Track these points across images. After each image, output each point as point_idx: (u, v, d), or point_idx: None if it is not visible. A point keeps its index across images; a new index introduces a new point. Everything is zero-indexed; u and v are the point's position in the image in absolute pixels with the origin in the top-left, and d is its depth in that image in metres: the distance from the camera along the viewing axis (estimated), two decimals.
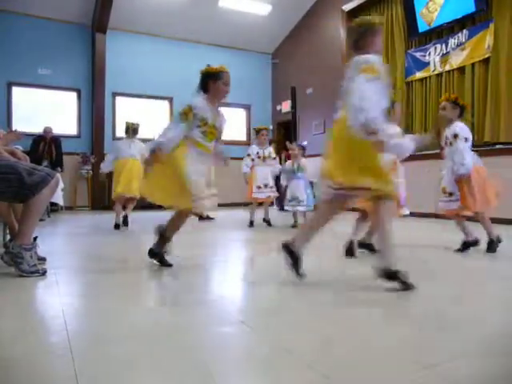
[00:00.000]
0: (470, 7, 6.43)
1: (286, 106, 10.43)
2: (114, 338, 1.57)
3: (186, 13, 9.36)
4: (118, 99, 9.76)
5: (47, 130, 8.46)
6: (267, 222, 5.75)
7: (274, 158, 5.90)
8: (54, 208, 8.13)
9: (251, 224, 5.67)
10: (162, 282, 2.64)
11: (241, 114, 11.27)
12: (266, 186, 5.53)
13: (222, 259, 3.44)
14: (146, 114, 10.08)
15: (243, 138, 11.28)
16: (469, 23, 6.65)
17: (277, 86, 11.30)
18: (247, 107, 11.25)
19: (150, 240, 3.04)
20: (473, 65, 6.54)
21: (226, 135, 12.20)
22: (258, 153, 5.66)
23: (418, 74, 7.45)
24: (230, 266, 3.20)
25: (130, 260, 3.27)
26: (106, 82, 9.24)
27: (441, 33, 7.11)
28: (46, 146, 8.32)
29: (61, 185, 7.31)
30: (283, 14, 9.90)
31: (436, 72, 7.12)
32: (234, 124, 11.14)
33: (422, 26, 7.27)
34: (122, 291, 2.38)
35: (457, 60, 6.76)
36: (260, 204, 6.15)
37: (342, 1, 8.87)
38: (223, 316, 1.85)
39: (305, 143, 5.16)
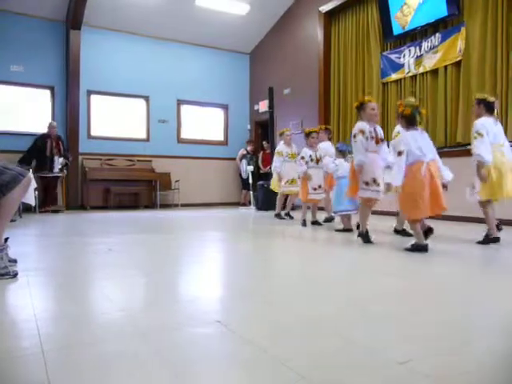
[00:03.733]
0: (442, 11, 6.58)
1: (263, 106, 10.46)
2: (87, 340, 1.55)
3: (162, 10, 9.29)
4: (93, 97, 9.60)
5: (54, 126, 8.35)
6: (317, 223, 5.71)
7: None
8: (51, 209, 8.10)
9: (304, 223, 5.64)
10: (137, 282, 2.61)
11: (218, 113, 11.24)
12: (320, 187, 5.60)
13: (197, 260, 3.42)
14: (122, 112, 9.97)
15: (221, 137, 11.26)
16: (441, 27, 6.81)
17: (254, 86, 11.32)
18: (225, 107, 11.23)
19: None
20: (445, 67, 6.70)
21: (204, 135, 12.16)
22: (310, 155, 5.67)
23: (393, 76, 7.58)
24: (206, 265, 3.19)
25: (106, 261, 3.22)
26: (80, 79, 9.08)
27: (415, 36, 7.25)
28: (53, 143, 8.24)
29: (33, 184, 7.21)
30: (261, 15, 9.92)
31: (410, 74, 7.26)
32: (211, 124, 11.12)
33: (397, 29, 7.39)
34: (96, 293, 2.34)
35: (430, 62, 6.91)
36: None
37: (319, 2, 8.95)
38: (199, 316, 1.84)
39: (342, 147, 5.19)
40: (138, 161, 9.81)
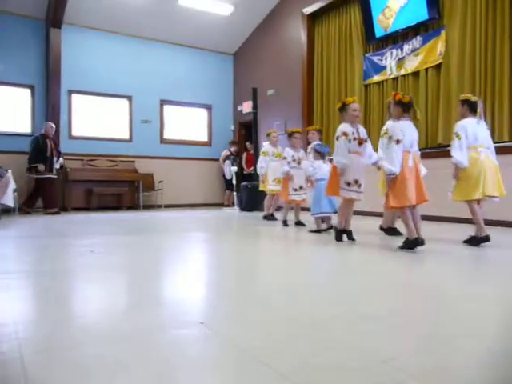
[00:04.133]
0: (423, 15, 6.69)
1: (247, 107, 10.46)
2: (67, 344, 1.52)
3: (145, 10, 9.22)
4: (75, 97, 9.47)
5: (52, 126, 8.28)
6: (301, 223, 5.70)
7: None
8: (52, 211, 8.00)
9: (285, 223, 5.68)
10: (119, 284, 2.58)
11: (202, 114, 11.21)
12: (301, 187, 5.56)
13: (180, 261, 3.41)
14: (105, 112, 9.85)
15: (204, 138, 11.23)
16: (422, 30, 6.91)
17: (238, 87, 11.32)
18: (208, 107, 11.20)
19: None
20: (426, 70, 6.80)
21: (187, 135, 12.10)
22: (293, 156, 5.64)
23: (376, 78, 7.66)
24: (189, 266, 3.17)
25: (87, 263, 3.18)
26: (61, 78, 8.95)
27: (396, 38, 7.34)
28: (52, 144, 8.20)
29: (12, 185, 7.08)
30: (245, 15, 9.92)
31: (392, 76, 7.35)
32: (194, 124, 11.08)
33: (379, 32, 7.48)
34: (77, 295, 2.31)
35: (411, 65, 7.01)
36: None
37: (302, 4, 9.00)
38: (182, 318, 1.83)
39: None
40: (121, 161, 9.72)
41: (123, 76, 9.83)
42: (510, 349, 1.55)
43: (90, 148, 9.45)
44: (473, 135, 3.82)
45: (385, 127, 4.42)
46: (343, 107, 4.09)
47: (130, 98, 10.05)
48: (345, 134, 3.99)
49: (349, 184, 3.96)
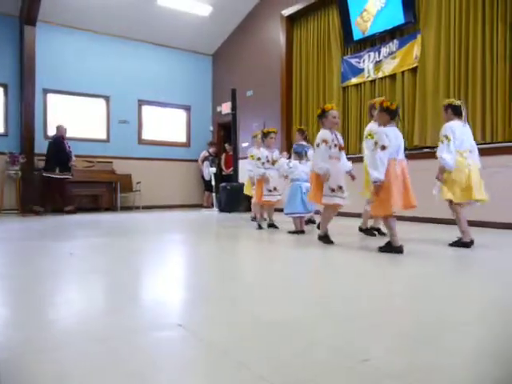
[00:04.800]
0: (399, 19, 6.80)
1: (226, 108, 10.44)
2: (44, 347, 1.49)
3: (123, 9, 9.11)
4: (50, 96, 9.28)
5: (65, 128, 8.62)
6: (274, 225, 5.64)
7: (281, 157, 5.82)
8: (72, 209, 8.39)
9: (259, 225, 5.56)
10: (98, 287, 2.54)
11: (181, 114, 11.14)
12: (275, 188, 5.50)
13: (159, 263, 3.38)
14: (81, 113, 9.69)
15: (183, 139, 11.16)
16: (399, 34, 7.03)
17: (217, 88, 11.30)
18: (187, 108, 11.14)
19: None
20: (403, 73, 6.92)
21: (165, 136, 11.99)
22: (267, 156, 5.56)
23: (354, 80, 7.75)
24: (168, 268, 3.15)
25: (66, 265, 3.12)
26: (36, 77, 8.74)
27: (374, 41, 7.45)
28: (68, 145, 8.57)
29: None
30: (224, 16, 9.91)
31: (370, 78, 7.45)
32: (173, 125, 11.00)
33: (357, 34, 7.57)
34: (55, 298, 2.26)
35: (388, 68, 7.12)
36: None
37: (281, 6, 9.04)
38: (161, 320, 1.81)
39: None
40: (98, 162, 9.56)
41: (101, 75, 9.69)
42: (491, 347, 1.58)
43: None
44: (460, 139, 3.87)
45: (368, 128, 4.47)
46: (323, 114, 4.08)
47: (107, 98, 9.91)
48: (325, 141, 3.99)
49: (333, 190, 3.95)
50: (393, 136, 3.47)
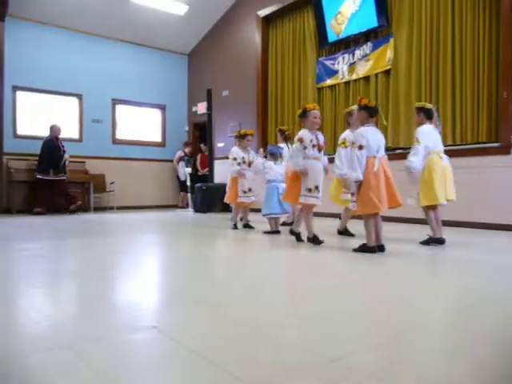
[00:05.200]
0: (373, 22, 6.92)
1: (201, 108, 10.39)
2: (10, 354, 1.45)
3: (96, 6, 8.96)
4: (20, 94, 9.03)
5: (59, 128, 8.56)
6: (249, 226, 5.63)
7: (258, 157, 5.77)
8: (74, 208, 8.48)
9: (235, 226, 5.56)
10: (67, 290, 2.49)
11: (155, 114, 11.02)
12: (250, 190, 5.47)
13: (132, 264, 3.33)
14: (53, 111, 9.47)
15: (158, 139, 11.04)
16: (372, 37, 7.15)
17: (193, 87, 11.23)
18: (162, 107, 11.04)
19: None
20: (376, 75, 7.04)
21: (140, 136, 11.84)
22: (243, 158, 5.51)
23: (328, 81, 7.84)
24: (142, 270, 3.11)
25: (33, 268, 3.04)
26: (4, 74, 8.48)
27: (348, 44, 7.55)
28: (61, 145, 8.56)
29: None
30: (200, 15, 9.86)
31: (344, 80, 7.55)
32: (148, 124, 10.88)
33: (332, 37, 7.66)
34: (21, 302, 2.20)
35: (362, 70, 7.23)
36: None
37: (257, 6, 9.06)
38: (135, 323, 1.79)
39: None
40: (70, 162, 9.34)
41: (73, 73, 9.48)
42: (462, 344, 1.63)
43: (37, 148, 9.00)
44: (435, 140, 3.97)
45: (342, 136, 4.49)
46: (304, 113, 4.07)
47: (80, 97, 9.71)
48: (300, 139, 4.02)
49: (310, 190, 3.96)
50: (371, 135, 3.48)
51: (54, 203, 8.34)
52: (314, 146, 4.02)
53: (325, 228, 5.12)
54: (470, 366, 1.36)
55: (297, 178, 4.08)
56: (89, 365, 1.35)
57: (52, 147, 8.34)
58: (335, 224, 5.08)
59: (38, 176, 8.28)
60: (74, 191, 8.84)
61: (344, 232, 4.78)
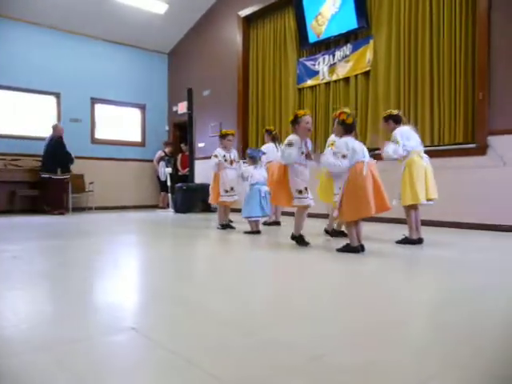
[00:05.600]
0: (352, 24, 6.98)
1: (182, 108, 10.33)
2: None
3: (75, 3, 8.80)
4: None
5: (61, 127, 8.64)
6: (230, 226, 5.58)
7: (238, 162, 5.70)
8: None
9: (223, 227, 5.51)
10: (45, 292, 2.44)
11: (135, 113, 10.90)
12: (232, 189, 5.44)
13: (111, 265, 3.29)
14: (30, 109, 9.28)
15: (138, 138, 10.93)
16: (352, 38, 7.22)
17: (173, 87, 11.15)
18: (142, 107, 10.92)
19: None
20: (356, 76, 7.11)
21: (120, 135, 11.75)
22: (224, 156, 5.46)
23: (309, 82, 7.88)
24: (121, 271, 3.07)
25: (9, 269, 2.97)
26: None
27: (329, 45, 7.60)
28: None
29: None
30: (180, 14, 9.80)
31: (325, 81, 7.60)
32: (128, 124, 10.76)
33: (312, 37, 7.70)
34: None
35: (342, 71, 7.29)
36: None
37: (238, 6, 9.05)
38: (113, 324, 1.77)
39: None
40: None
41: (50, 72, 9.30)
42: (438, 341, 1.65)
43: (13, 147, 8.83)
44: (415, 141, 4.03)
45: (331, 138, 4.49)
46: (295, 120, 3.99)
47: (57, 95, 9.53)
48: (288, 144, 3.92)
49: (300, 192, 3.93)
50: (354, 143, 3.52)
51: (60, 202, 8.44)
52: (302, 153, 3.95)
53: (310, 228, 5.14)
54: (446, 364, 1.38)
55: (283, 180, 4.02)
56: (65, 367, 1.33)
57: (60, 146, 8.36)
58: (319, 224, 5.12)
59: (43, 175, 8.31)
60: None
61: (331, 232, 4.75)
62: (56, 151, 8.33)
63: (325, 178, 4.45)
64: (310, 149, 4.05)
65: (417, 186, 3.92)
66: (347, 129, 3.60)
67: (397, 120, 4.12)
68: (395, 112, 4.19)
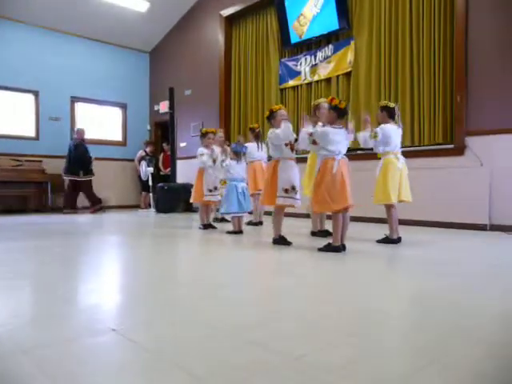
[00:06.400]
0: (334, 25, 7.04)
1: (163, 107, 10.25)
2: None
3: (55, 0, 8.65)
4: None
5: (84, 131, 9.07)
6: (212, 226, 5.56)
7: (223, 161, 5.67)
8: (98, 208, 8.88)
9: (205, 227, 5.49)
10: (22, 294, 2.40)
11: (116, 112, 10.78)
12: (215, 188, 5.40)
13: (91, 265, 3.25)
14: (7, 108, 9.09)
15: (119, 138, 10.81)
16: (334, 39, 7.28)
17: (154, 86, 11.07)
18: (123, 106, 10.81)
19: None
20: (337, 77, 7.17)
21: (100, 135, 11.64)
22: (208, 155, 5.40)
23: (291, 82, 7.91)
24: (102, 271, 3.04)
25: None
26: None
27: (310, 45, 7.65)
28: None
29: None
30: (162, 13, 9.73)
31: (306, 81, 7.65)
32: (108, 123, 10.64)
33: (294, 38, 7.74)
34: None
35: (324, 72, 7.34)
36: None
37: (220, 6, 9.03)
38: (93, 326, 1.75)
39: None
40: (26, 161, 9.00)
41: (28, 69, 9.13)
42: (418, 339, 1.68)
43: None
44: (394, 141, 4.07)
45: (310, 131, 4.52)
46: (271, 115, 4.07)
47: (36, 93, 9.37)
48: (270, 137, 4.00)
49: (286, 190, 3.92)
50: (332, 135, 3.57)
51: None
52: (286, 144, 3.99)
53: (293, 228, 5.17)
54: (427, 363, 1.41)
55: (272, 179, 4.01)
56: (43, 371, 1.31)
57: (83, 150, 8.80)
58: (300, 224, 5.14)
59: (67, 178, 8.79)
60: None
61: (317, 233, 4.71)
62: (79, 154, 8.75)
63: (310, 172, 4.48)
64: (293, 141, 4.04)
65: (389, 186, 3.99)
66: (340, 114, 3.61)
67: (390, 114, 4.12)
68: (392, 105, 4.18)
